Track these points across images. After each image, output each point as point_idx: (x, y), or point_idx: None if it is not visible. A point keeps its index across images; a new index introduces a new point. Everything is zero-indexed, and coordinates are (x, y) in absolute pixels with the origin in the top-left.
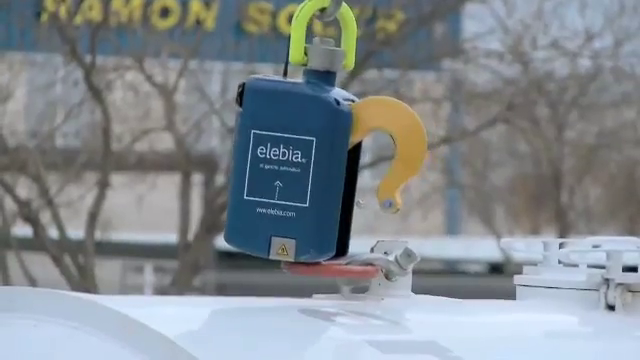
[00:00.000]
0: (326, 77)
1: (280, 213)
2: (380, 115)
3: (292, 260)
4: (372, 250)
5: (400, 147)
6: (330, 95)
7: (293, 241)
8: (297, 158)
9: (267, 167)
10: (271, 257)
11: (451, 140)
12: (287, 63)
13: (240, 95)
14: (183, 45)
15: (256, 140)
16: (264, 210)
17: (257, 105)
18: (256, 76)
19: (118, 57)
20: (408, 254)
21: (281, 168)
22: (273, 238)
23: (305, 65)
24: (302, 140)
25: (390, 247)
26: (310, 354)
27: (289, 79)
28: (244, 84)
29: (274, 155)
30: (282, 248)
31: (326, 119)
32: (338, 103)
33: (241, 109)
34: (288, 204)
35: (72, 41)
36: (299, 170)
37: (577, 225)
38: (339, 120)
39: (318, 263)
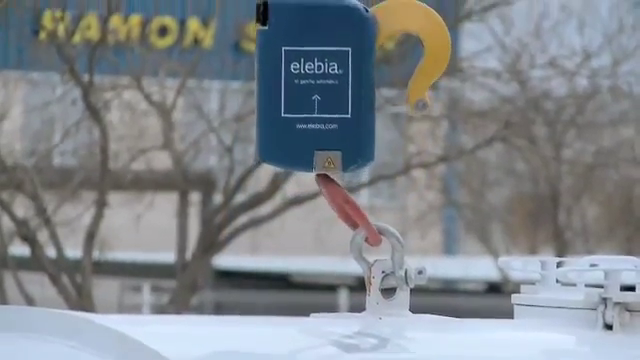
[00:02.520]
0: None
1: (322, 127)
2: (402, 18)
3: (340, 172)
4: (370, 269)
5: (427, 45)
6: (357, 3)
7: (339, 153)
8: (334, 70)
9: (303, 82)
10: (317, 171)
11: (448, 159)
12: None
13: (263, 14)
14: (181, 64)
15: (288, 57)
16: (305, 125)
17: (285, 21)
18: None
19: (116, 76)
20: (420, 271)
21: (318, 82)
22: (317, 152)
23: None
24: (337, 51)
25: (388, 266)
26: None
27: None
28: (265, 2)
29: (309, 69)
30: (328, 161)
31: (359, 27)
32: (367, 11)
33: (265, 28)
34: (329, 117)
35: (70, 60)
36: (337, 82)
37: (575, 244)
38: (370, 27)
39: (343, 191)
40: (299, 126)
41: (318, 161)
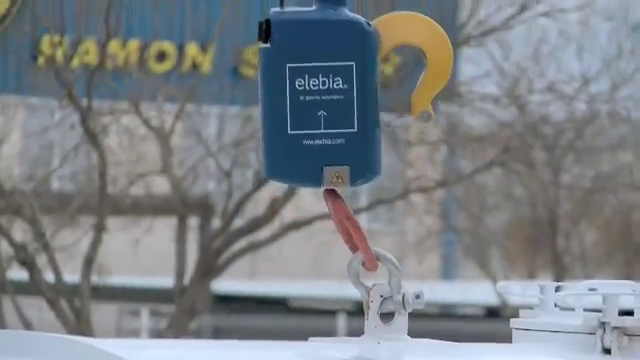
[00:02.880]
0: (340, 0)
1: (329, 142)
2: (404, 30)
3: (348, 186)
4: (368, 293)
5: (429, 56)
6: (358, 17)
7: (347, 167)
8: (338, 85)
9: (308, 98)
10: (325, 186)
11: (447, 183)
12: None
13: (266, 32)
14: (179, 89)
15: (292, 74)
16: (312, 141)
17: (288, 38)
18: (276, 10)
19: (114, 101)
20: (417, 295)
21: (323, 97)
22: (325, 168)
23: None
24: (341, 66)
25: (386, 290)
26: None
27: (306, 8)
28: (268, 20)
29: (313, 85)
30: (336, 176)
31: (361, 41)
32: (369, 25)
33: (268, 45)
34: (336, 132)
35: (68, 84)
36: (342, 96)
37: (573, 269)
38: (372, 40)
39: (347, 209)
40: (306, 142)
41: (326, 176)
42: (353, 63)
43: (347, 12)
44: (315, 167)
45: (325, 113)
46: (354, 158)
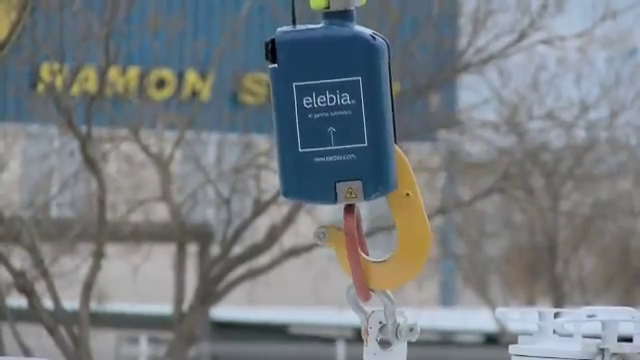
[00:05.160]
0: (347, 16)
1: (340, 158)
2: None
3: (362, 201)
4: (367, 320)
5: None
6: (364, 32)
7: (359, 182)
8: (346, 100)
9: (317, 116)
10: (339, 202)
11: (446, 210)
12: (294, 11)
13: (272, 51)
14: (179, 116)
15: (300, 92)
16: (323, 158)
17: (294, 57)
18: (283, 29)
19: (114, 128)
20: (411, 328)
21: (331, 114)
22: (338, 184)
23: (327, 8)
24: (348, 82)
25: (384, 317)
26: None
27: (312, 25)
28: (273, 40)
29: (321, 102)
30: (349, 191)
31: (367, 56)
32: (374, 38)
33: (275, 65)
34: (346, 147)
35: (68, 112)
36: (350, 112)
37: (572, 295)
38: (378, 54)
39: (350, 229)
40: (317, 159)
41: (340, 192)
42: (359, 78)
43: (354, 27)
44: (328, 184)
45: (334, 129)
46: (366, 172)
